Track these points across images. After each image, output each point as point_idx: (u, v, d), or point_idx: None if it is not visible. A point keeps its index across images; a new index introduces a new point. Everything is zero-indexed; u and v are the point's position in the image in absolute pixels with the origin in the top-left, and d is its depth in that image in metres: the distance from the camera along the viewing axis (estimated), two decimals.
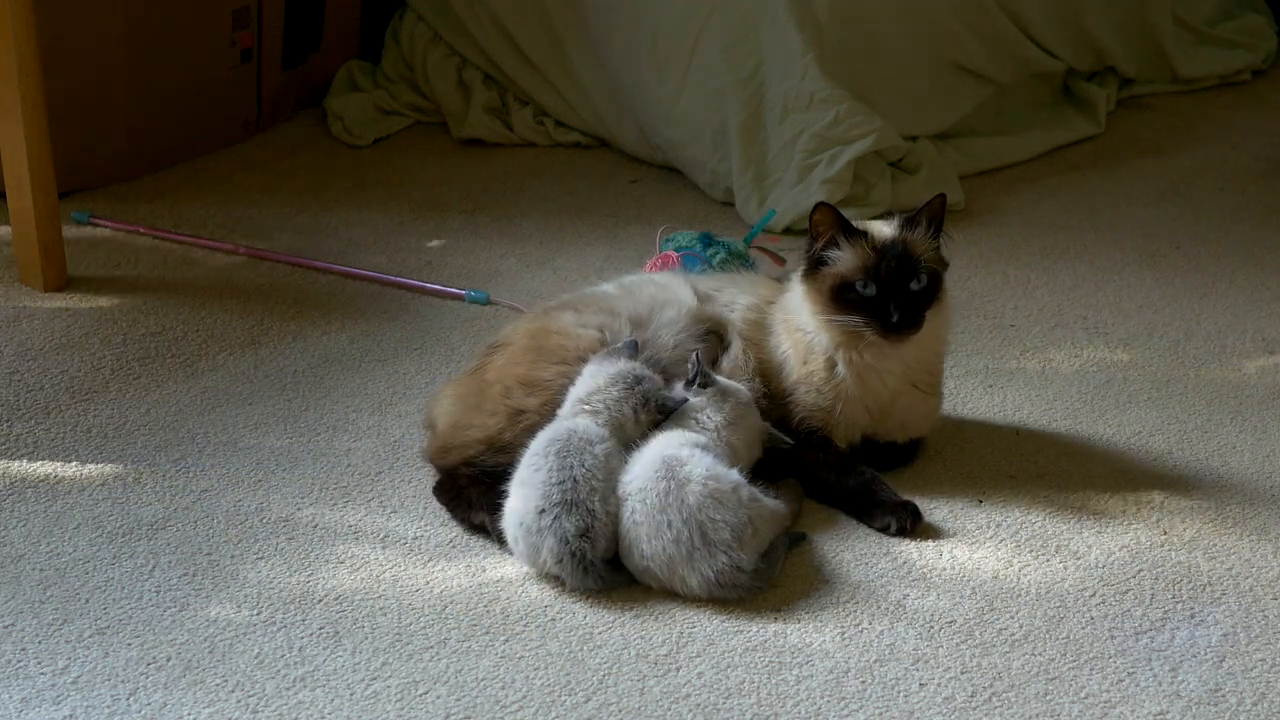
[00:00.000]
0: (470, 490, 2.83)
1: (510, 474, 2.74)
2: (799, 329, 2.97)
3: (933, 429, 3.07)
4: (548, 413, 2.83)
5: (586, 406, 2.77)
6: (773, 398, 2.94)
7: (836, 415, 2.95)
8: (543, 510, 2.63)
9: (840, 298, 2.89)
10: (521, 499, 2.67)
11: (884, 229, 2.93)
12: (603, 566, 2.63)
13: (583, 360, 2.87)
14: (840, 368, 2.94)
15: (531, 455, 2.71)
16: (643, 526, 2.63)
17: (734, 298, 3.05)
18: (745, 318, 3.02)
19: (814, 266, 2.93)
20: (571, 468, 2.65)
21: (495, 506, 2.75)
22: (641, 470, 2.68)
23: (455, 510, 2.85)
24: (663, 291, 3.03)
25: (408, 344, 3.49)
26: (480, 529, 2.80)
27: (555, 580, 2.67)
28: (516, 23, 4.61)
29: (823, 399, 2.95)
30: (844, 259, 2.90)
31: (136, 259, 3.88)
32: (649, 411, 2.79)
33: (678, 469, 2.65)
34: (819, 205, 2.92)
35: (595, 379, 2.80)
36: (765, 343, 3.00)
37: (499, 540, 2.76)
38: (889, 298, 2.87)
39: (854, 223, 2.93)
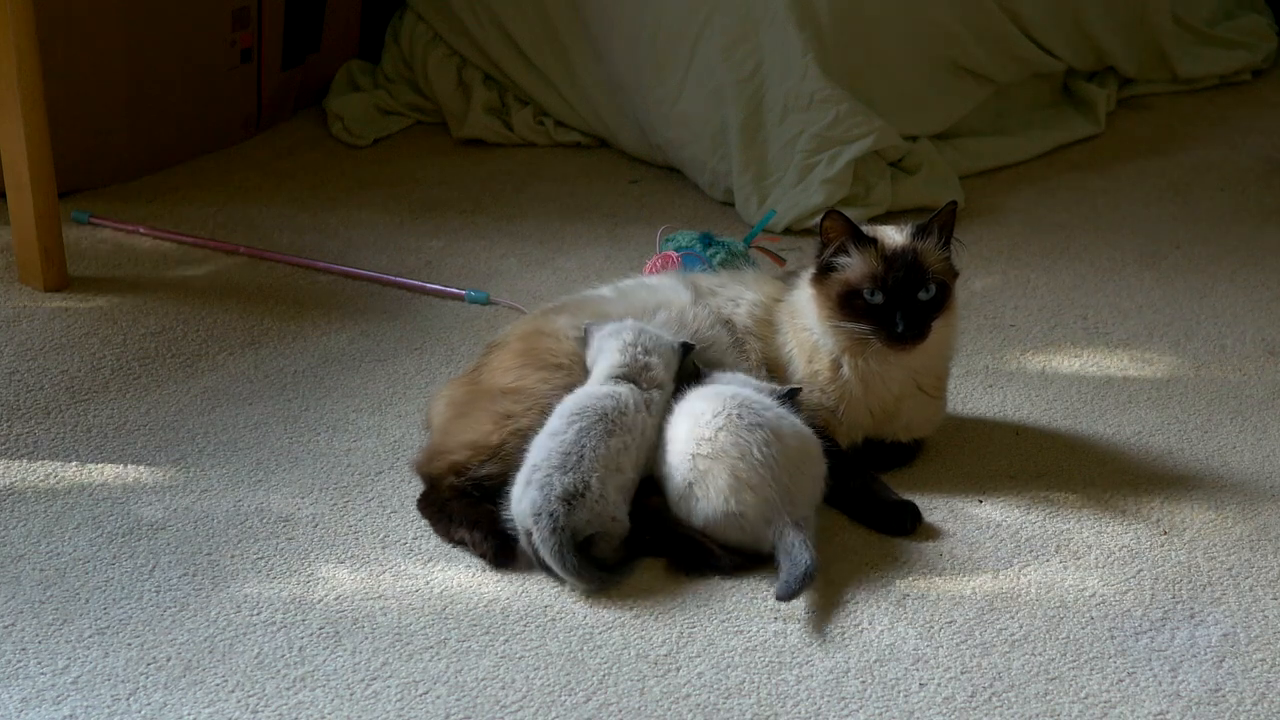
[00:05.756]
0: (453, 504, 2.80)
1: (498, 490, 2.75)
2: (805, 329, 2.97)
3: (936, 430, 3.07)
4: (535, 418, 2.81)
5: (634, 351, 2.80)
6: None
7: (839, 416, 2.95)
8: (537, 469, 2.66)
9: (848, 304, 2.90)
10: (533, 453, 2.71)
11: (895, 236, 2.94)
12: (570, 542, 2.62)
13: (561, 368, 2.86)
14: (845, 370, 2.94)
15: (557, 417, 2.74)
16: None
17: (739, 294, 3.05)
18: (752, 313, 3.02)
19: (823, 272, 2.93)
20: (584, 445, 2.67)
21: (476, 522, 2.74)
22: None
23: (437, 524, 2.81)
24: (654, 295, 3.04)
25: (408, 344, 3.49)
26: (461, 544, 2.77)
27: (555, 580, 2.67)
28: (516, 23, 4.61)
29: (826, 399, 2.95)
30: (853, 266, 2.90)
31: (136, 259, 3.88)
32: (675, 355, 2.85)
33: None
34: (830, 212, 2.93)
35: (619, 337, 2.84)
36: (772, 339, 3.00)
37: (481, 556, 2.73)
38: (896, 307, 2.87)
39: (865, 229, 2.93)
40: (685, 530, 2.73)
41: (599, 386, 2.79)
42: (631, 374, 2.80)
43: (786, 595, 2.59)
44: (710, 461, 2.70)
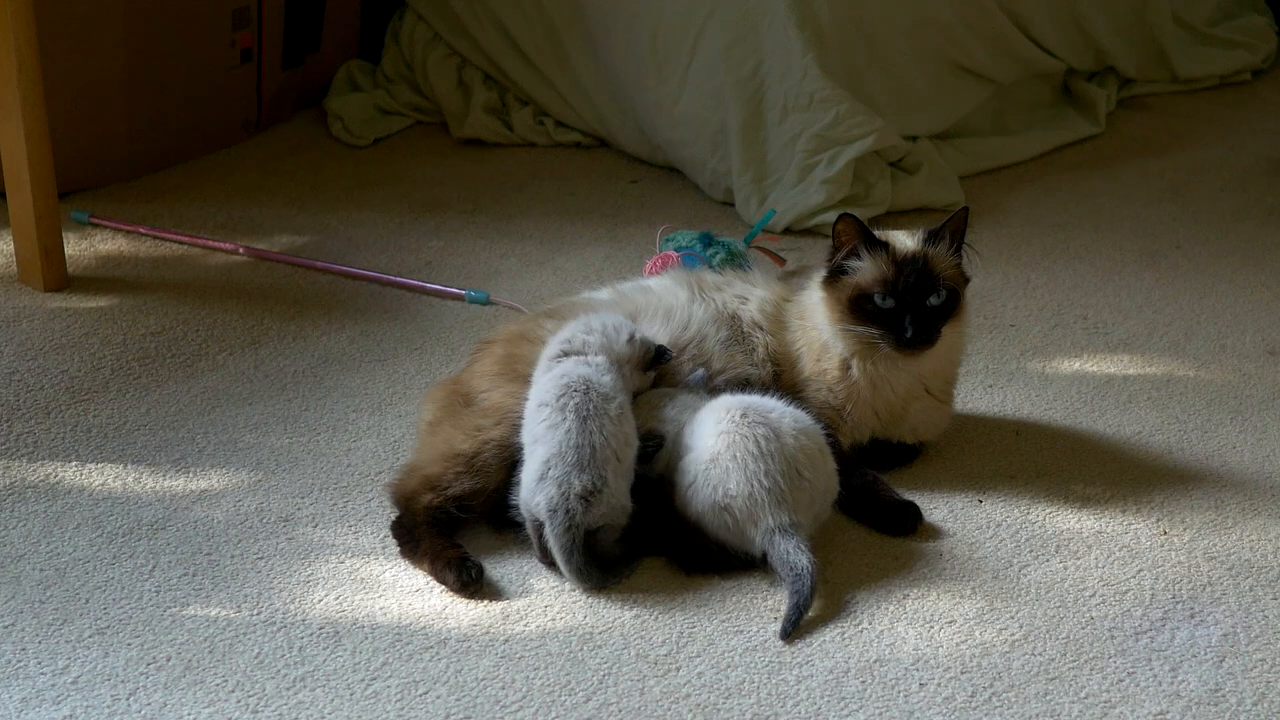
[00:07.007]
0: (421, 530, 2.75)
1: (472, 512, 2.75)
2: (814, 328, 2.98)
3: (942, 433, 3.07)
4: (505, 430, 2.79)
5: (583, 334, 2.80)
6: (784, 390, 2.94)
7: (845, 415, 2.96)
8: (551, 465, 2.64)
9: (858, 308, 2.90)
10: (539, 453, 2.69)
11: (906, 241, 2.94)
12: (581, 540, 2.62)
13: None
14: (854, 371, 2.94)
15: (539, 405, 2.71)
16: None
17: (748, 290, 3.06)
18: (762, 309, 3.02)
19: (834, 275, 2.94)
20: (591, 432, 2.66)
21: (437, 555, 2.69)
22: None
23: (403, 549, 2.77)
24: (648, 297, 3.03)
25: (408, 344, 3.49)
26: (425, 573, 2.72)
27: (554, 578, 2.68)
28: (516, 23, 4.61)
29: (833, 398, 2.96)
30: (864, 270, 2.91)
31: (136, 259, 3.88)
32: (641, 346, 2.83)
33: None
34: (844, 215, 2.94)
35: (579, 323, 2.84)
36: (782, 335, 3.01)
37: (444, 585, 2.68)
38: (906, 312, 2.88)
39: (877, 234, 2.93)
40: (682, 522, 2.73)
41: (547, 371, 2.79)
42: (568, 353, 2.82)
43: (789, 629, 2.57)
44: (709, 461, 2.71)
